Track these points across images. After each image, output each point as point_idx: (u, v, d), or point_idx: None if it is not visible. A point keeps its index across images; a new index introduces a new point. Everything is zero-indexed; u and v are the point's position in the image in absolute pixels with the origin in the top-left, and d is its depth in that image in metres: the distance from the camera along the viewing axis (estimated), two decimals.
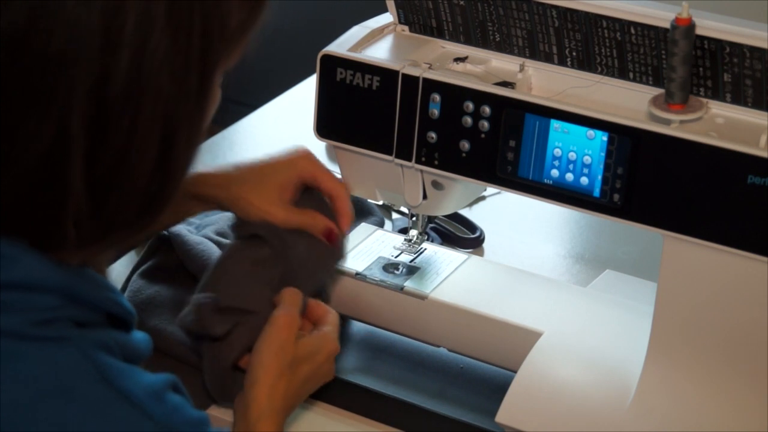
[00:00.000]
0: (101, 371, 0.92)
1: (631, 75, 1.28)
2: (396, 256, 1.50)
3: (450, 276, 1.46)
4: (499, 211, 1.74)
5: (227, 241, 1.52)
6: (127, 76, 0.88)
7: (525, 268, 1.54)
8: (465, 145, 1.30)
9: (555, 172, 1.26)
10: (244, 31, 0.96)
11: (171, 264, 1.53)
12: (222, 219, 1.59)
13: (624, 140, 1.22)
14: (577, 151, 1.25)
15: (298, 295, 1.30)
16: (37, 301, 0.92)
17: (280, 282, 1.33)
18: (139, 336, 1.00)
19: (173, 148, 0.92)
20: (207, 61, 0.92)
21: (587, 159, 1.24)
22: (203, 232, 1.56)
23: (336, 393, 1.38)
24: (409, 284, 1.45)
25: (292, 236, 1.36)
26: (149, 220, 0.95)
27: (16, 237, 0.92)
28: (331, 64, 1.34)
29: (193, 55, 0.90)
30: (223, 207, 1.38)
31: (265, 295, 1.32)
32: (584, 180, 1.25)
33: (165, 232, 1.53)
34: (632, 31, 1.25)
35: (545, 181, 1.27)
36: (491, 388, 1.38)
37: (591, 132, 1.24)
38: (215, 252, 1.49)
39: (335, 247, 1.37)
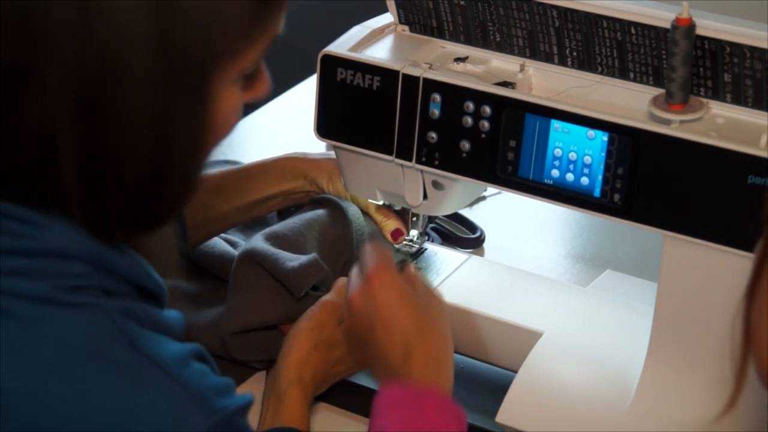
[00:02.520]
0: (129, 337, 0.94)
1: (631, 75, 1.28)
2: None
3: (450, 276, 1.46)
4: (500, 211, 1.74)
5: (234, 239, 1.54)
6: (105, 59, 0.88)
7: (525, 268, 1.54)
8: (465, 145, 1.30)
9: (555, 172, 1.26)
10: (252, 29, 0.95)
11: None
12: None
13: (624, 140, 1.22)
14: (578, 151, 1.25)
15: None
16: (67, 268, 0.94)
17: (343, 268, 1.44)
18: (171, 314, 1.01)
19: (169, 142, 0.93)
20: (201, 57, 0.92)
21: (587, 159, 1.24)
22: None
23: (336, 393, 1.38)
24: None
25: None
26: (165, 214, 0.97)
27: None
28: (332, 64, 1.34)
29: (177, 46, 0.90)
30: (307, 184, 1.51)
31: (330, 276, 1.41)
32: (584, 180, 1.25)
33: None
34: (633, 31, 1.25)
35: (545, 181, 1.27)
36: (491, 388, 1.38)
37: (591, 132, 1.24)
38: (225, 247, 1.51)
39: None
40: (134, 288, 0.99)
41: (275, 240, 1.42)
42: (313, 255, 1.39)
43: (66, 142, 0.90)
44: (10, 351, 0.91)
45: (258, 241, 1.42)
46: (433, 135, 1.31)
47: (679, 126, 1.21)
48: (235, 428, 0.97)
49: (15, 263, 0.93)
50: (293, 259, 1.38)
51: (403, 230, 1.49)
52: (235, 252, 1.48)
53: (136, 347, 0.94)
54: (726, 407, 1.06)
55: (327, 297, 1.36)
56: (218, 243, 1.53)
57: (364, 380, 1.40)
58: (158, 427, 0.93)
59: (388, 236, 1.48)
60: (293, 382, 1.30)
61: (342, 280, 1.39)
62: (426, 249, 1.51)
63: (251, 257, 1.40)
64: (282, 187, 1.51)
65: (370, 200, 1.47)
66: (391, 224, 1.48)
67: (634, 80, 1.28)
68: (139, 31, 0.89)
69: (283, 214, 1.56)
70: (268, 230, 1.45)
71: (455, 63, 1.35)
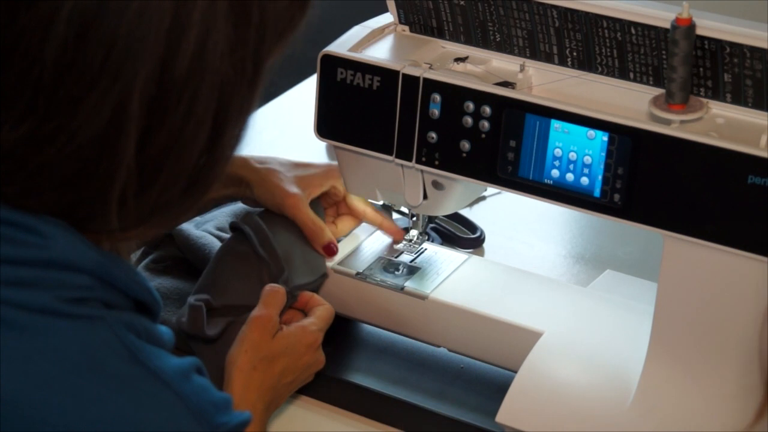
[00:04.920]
0: (131, 350, 0.93)
1: (631, 75, 1.28)
2: (396, 256, 1.50)
3: (450, 276, 1.46)
4: (500, 211, 1.74)
5: (228, 236, 1.54)
6: (191, 60, 0.90)
7: (525, 268, 1.54)
8: (465, 145, 1.30)
9: (555, 172, 1.26)
10: (293, 26, 0.99)
11: (173, 257, 1.55)
12: (221, 215, 1.60)
13: (624, 140, 1.22)
14: (578, 151, 1.25)
15: (277, 293, 1.36)
16: (70, 280, 0.93)
17: (270, 277, 1.40)
18: (163, 329, 1.01)
19: (223, 132, 0.95)
20: (261, 51, 0.95)
21: (587, 159, 1.24)
22: (204, 227, 1.58)
23: (336, 393, 1.38)
24: (409, 284, 1.45)
25: (281, 236, 1.43)
26: (189, 204, 0.97)
27: (56, 216, 0.93)
28: (332, 64, 1.34)
29: (249, 45, 0.93)
30: (246, 189, 1.47)
31: (255, 291, 1.36)
32: (584, 180, 1.25)
33: None
34: (633, 31, 1.25)
35: (545, 181, 1.27)
36: (491, 388, 1.38)
37: (591, 132, 1.24)
38: (217, 246, 1.51)
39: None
40: (132, 301, 0.98)
41: (207, 287, 1.41)
42: (188, 302, 1.37)
43: (134, 131, 0.90)
44: (11, 362, 0.91)
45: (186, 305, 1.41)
46: (433, 135, 1.31)
47: (679, 126, 1.21)
48: None
49: (18, 273, 0.92)
50: (183, 314, 1.37)
51: (335, 246, 1.45)
52: (215, 245, 1.50)
53: (139, 361, 0.93)
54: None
55: (255, 312, 1.33)
56: (204, 236, 1.54)
57: (364, 380, 1.40)
58: None
59: (320, 250, 1.46)
60: (238, 407, 1.25)
61: (266, 289, 1.36)
62: (426, 249, 1.51)
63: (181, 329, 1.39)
64: (223, 192, 1.49)
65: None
66: (324, 237, 1.45)
67: (634, 80, 1.28)
68: (221, 35, 0.91)
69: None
70: (198, 283, 1.43)
71: (455, 63, 1.35)
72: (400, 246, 1.49)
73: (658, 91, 1.25)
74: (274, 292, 1.36)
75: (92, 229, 0.94)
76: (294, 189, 1.46)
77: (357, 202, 1.52)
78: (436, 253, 1.51)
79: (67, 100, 0.89)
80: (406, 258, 1.49)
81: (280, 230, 1.45)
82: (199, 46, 0.90)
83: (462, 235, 1.66)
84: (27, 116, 0.89)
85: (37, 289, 0.92)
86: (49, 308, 0.92)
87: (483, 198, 1.75)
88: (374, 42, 1.38)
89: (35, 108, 0.89)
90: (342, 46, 1.36)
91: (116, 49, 0.88)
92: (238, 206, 1.60)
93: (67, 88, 0.89)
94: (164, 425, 0.93)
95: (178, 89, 0.90)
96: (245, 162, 1.47)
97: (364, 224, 1.57)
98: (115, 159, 0.90)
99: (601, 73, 1.30)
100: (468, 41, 1.36)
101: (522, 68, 1.32)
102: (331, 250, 1.45)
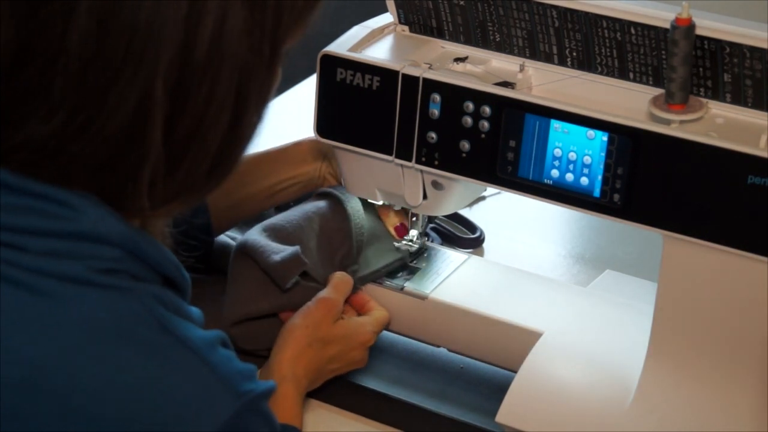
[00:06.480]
0: (159, 320, 0.95)
1: (631, 75, 1.28)
2: None
3: (450, 276, 1.46)
4: (499, 211, 1.74)
5: (235, 236, 1.55)
6: (210, 44, 0.92)
7: (525, 268, 1.54)
8: (465, 145, 1.30)
9: (555, 173, 1.26)
10: (310, 8, 1.01)
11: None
12: None
13: (624, 140, 1.22)
14: (577, 151, 1.25)
15: (347, 283, 1.41)
16: (100, 252, 0.95)
17: (341, 260, 1.43)
18: (193, 309, 1.03)
19: (244, 114, 0.97)
20: (278, 34, 0.97)
21: (587, 159, 1.24)
22: None
23: (336, 393, 1.38)
24: (409, 284, 1.45)
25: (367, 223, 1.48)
26: (213, 184, 1.00)
27: (88, 192, 0.95)
28: (331, 64, 1.34)
29: (266, 27, 0.95)
30: (324, 165, 1.54)
31: (326, 268, 1.42)
32: (584, 180, 1.25)
33: None
34: (632, 31, 1.25)
35: (545, 181, 1.27)
36: (491, 388, 1.38)
37: (591, 132, 1.24)
38: (223, 242, 1.52)
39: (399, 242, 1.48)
40: (161, 278, 1.00)
41: (273, 232, 1.43)
42: (295, 249, 1.39)
43: (160, 117, 0.92)
44: (43, 329, 0.93)
45: (253, 233, 1.43)
46: (433, 135, 1.31)
47: (678, 126, 1.21)
48: (260, 412, 0.98)
49: (50, 244, 0.94)
50: (278, 252, 1.39)
51: (407, 224, 1.48)
52: (220, 240, 1.51)
53: (167, 330, 0.95)
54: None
55: (323, 293, 1.37)
56: (220, 238, 1.54)
57: (363, 380, 1.40)
58: (186, 407, 0.94)
59: (392, 231, 1.48)
60: (286, 378, 1.30)
61: (338, 276, 1.40)
62: (426, 249, 1.51)
63: (243, 249, 1.41)
64: (303, 168, 1.54)
65: (370, 200, 1.47)
66: (394, 219, 1.48)
67: (634, 80, 1.28)
68: (237, 18, 0.93)
69: (282, 208, 1.57)
70: (266, 222, 1.45)
71: (455, 63, 1.35)
72: (400, 245, 1.49)
73: (658, 91, 1.25)
74: (345, 281, 1.41)
75: (122, 208, 0.96)
76: None
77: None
78: (436, 253, 1.51)
79: (95, 90, 0.91)
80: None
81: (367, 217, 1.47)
82: (217, 30, 0.92)
83: (462, 235, 1.66)
84: (59, 109, 0.92)
85: (68, 260, 0.94)
86: (80, 278, 0.94)
87: (483, 198, 1.75)
88: (374, 42, 1.38)
89: (66, 100, 0.91)
90: (342, 46, 1.36)
91: (137, 38, 0.90)
92: None
93: (94, 79, 0.91)
94: (192, 391, 0.94)
95: (199, 74, 0.92)
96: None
97: None
98: (143, 145, 0.93)
99: (601, 73, 1.30)
100: (468, 41, 1.36)
101: (522, 68, 1.32)
102: (401, 230, 1.48)
